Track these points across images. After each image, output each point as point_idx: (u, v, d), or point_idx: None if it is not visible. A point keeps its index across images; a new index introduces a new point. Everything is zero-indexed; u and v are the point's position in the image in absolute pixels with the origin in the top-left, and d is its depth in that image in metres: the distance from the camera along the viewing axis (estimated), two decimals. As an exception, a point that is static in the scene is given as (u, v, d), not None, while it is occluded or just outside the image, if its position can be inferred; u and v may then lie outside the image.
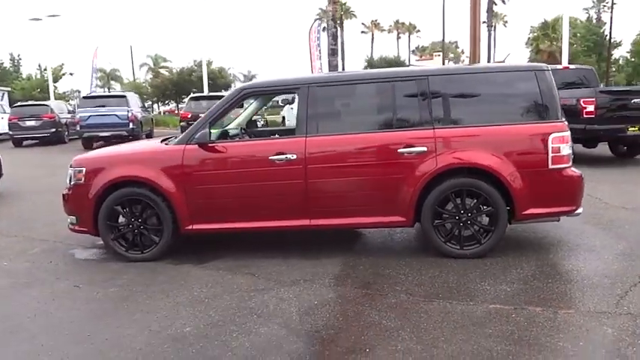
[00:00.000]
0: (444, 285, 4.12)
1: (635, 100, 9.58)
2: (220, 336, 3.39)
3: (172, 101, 49.17)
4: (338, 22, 64.65)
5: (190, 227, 4.97)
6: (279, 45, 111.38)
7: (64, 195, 5.35)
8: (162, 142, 5.53)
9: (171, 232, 4.98)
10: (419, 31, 77.18)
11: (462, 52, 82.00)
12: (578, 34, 53.89)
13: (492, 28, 59.32)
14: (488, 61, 59.52)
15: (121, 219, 5.10)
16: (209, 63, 48.49)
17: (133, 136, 17.58)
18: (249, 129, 5.99)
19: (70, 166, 5.28)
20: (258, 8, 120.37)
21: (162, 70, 52.82)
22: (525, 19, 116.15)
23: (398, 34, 74.94)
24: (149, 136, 19.62)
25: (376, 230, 5.64)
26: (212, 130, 4.97)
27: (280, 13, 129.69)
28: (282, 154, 4.76)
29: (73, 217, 5.24)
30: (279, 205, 4.87)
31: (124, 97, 18.21)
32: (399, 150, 4.68)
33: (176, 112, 47.07)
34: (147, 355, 3.18)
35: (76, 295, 4.27)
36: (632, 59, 47.47)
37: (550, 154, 4.58)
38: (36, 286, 4.54)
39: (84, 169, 5.10)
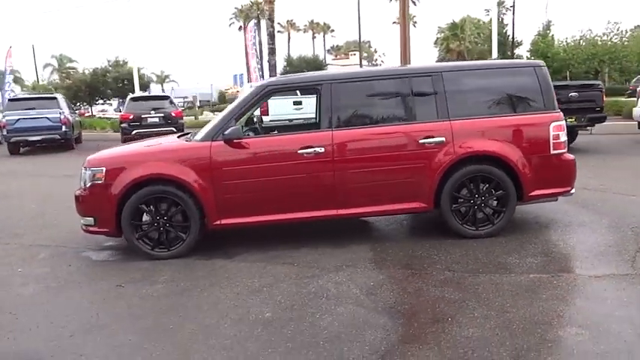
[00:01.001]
0: (478, 261, 4.53)
1: (572, 94, 10.61)
2: (305, 318, 3.58)
3: (85, 103, 46.80)
4: (255, 21, 64.53)
5: (218, 222, 5.05)
6: (192, 45, 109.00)
7: (77, 196, 5.23)
8: (179, 138, 5.55)
9: (198, 228, 5.03)
10: (333, 30, 78.61)
11: (375, 51, 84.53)
12: (482, 35, 57.36)
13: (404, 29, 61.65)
14: (403, 60, 61.86)
15: (145, 217, 5.07)
16: (124, 63, 46.77)
17: (65, 140, 16.83)
18: (250, 126, 6.12)
19: (85, 167, 5.18)
20: (171, 8, 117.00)
21: (71, 71, 50.24)
22: (433, 19, 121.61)
23: (313, 33, 75.90)
24: (78, 140, 18.80)
25: (384, 218, 5.97)
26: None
27: (193, 13, 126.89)
28: (310, 147, 4.98)
29: (90, 219, 5.15)
30: (307, 196, 5.08)
31: (54, 98, 17.31)
32: (420, 140, 5.04)
33: (89, 114, 45.01)
34: (245, 339, 3.31)
35: (126, 294, 4.25)
36: (532, 58, 51.23)
37: (551, 141, 5.13)
38: (73, 288, 4.45)
39: (104, 169, 5.03)
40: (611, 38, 49.85)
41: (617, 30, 50.62)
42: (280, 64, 62.32)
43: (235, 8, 65.39)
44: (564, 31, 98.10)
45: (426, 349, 3.07)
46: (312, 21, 74.55)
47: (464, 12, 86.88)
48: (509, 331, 3.25)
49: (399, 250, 4.94)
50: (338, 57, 75.57)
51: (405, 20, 22.72)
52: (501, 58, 55.27)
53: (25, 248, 5.74)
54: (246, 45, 21.36)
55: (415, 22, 71.26)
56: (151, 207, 5.04)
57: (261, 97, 5.20)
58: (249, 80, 22.01)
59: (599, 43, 50.70)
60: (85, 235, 5.69)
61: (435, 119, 5.11)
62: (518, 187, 5.13)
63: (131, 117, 15.79)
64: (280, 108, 13.76)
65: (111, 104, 55.27)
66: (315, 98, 5.16)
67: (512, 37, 48.36)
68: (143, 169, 5.00)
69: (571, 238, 5.09)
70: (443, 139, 5.03)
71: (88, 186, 5.10)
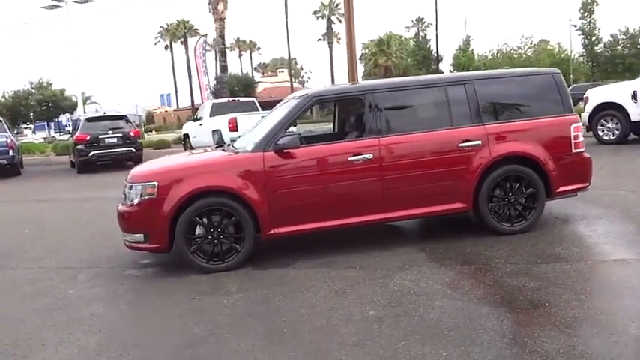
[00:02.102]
0: (529, 254, 4.88)
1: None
2: (411, 312, 3.75)
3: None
4: (182, 40, 63.44)
5: (273, 232, 5.13)
6: (113, 65, 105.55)
7: (123, 213, 5.14)
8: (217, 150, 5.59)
9: (252, 238, 5.08)
10: (259, 48, 78.97)
11: (302, 68, 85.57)
12: (405, 50, 59.69)
13: (331, 45, 62.99)
14: (332, 75, 63.08)
15: (198, 230, 5.05)
16: (48, 84, 44.73)
17: (11, 165, 15.95)
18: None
19: (133, 182, 5.11)
20: (91, 30, 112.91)
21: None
22: (358, 36, 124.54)
23: (240, 51, 75.89)
24: (21, 165, 17.82)
25: (410, 222, 6.23)
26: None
27: (114, 33, 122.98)
28: (360, 154, 5.18)
29: (140, 235, 5.07)
30: (358, 202, 5.26)
31: (0, 121, 16.39)
32: (459, 144, 5.37)
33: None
34: (370, 335, 3.45)
35: (209, 305, 4.23)
36: (455, 71, 53.90)
37: (572, 141, 5.62)
38: (147, 305, 4.38)
39: (156, 184, 4.98)
40: (525, 51, 53.37)
41: (531, 44, 54.37)
42: (210, 82, 62.03)
43: (161, 27, 64.37)
44: (483, 45, 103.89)
45: (547, 330, 3.34)
46: (238, 39, 74.49)
47: (386, 29, 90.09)
48: (608, 309, 3.58)
49: (447, 250, 5.20)
50: (265, 74, 75.90)
51: (351, 40, 23.37)
52: (426, 73, 57.95)
53: (56, 271, 5.53)
54: (196, 63, 21.17)
55: (339, 39, 72.86)
56: (204, 219, 5.02)
57: (308, 107, 5.35)
58: (202, 99, 21.77)
59: (515, 56, 54.18)
60: (108, 254, 5.70)
61: (470, 124, 5.45)
62: (546, 184, 5.55)
63: (88, 138, 15.21)
64: (248, 124, 13.83)
65: (30, 128, 52.54)
66: (359, 107, 5.36)
67: (437, 52, 50.74)
68: (198, 181, 5.00)
69: (597, 229, 5.57)
70: (479, 142, 5.38)
71: (137, 202, 5.02)
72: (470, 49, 53.64)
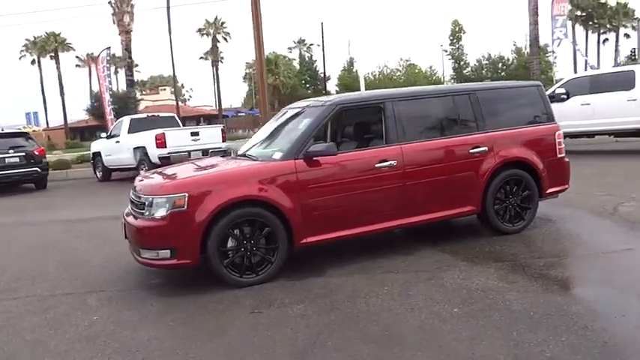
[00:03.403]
0: (546, 249, 5.27)
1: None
2: (495, 306, 3.90)
3: None
4: (52, 54, 59.18)
5: (305, 241, 5.03)
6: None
7: (143, 228, 4.76)
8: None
9: (286, 249, 4.95)
10: (137, 65, 75.72)
11: (183, 86, 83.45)
12: (290, 70, 60.88)
13: (217, 64, 62.44)
14: (217, 94, 62.29)
15: (230, 243, 4.81)
16: None
17: None
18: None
19: (153, 194, 4.75)
20: None
21: None
22: (239, 56, 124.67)
23: (116, 68, 72.21)
24: None
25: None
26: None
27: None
28: (385, 161, 5.28)
29: (166, 251, 4.70)
30: (383, 208, 5.35)
31: None
32: (470, 151, 5.67)
33: None
34: (473, 329, 3.54)
35: (276, 317, 4.05)
36: (341, 91, 55.96)
37: (557, 147, 6.18)
38: (202, 322, 4.09)
39: (186, 195, 4.67)
40: (404, 73, 56.73)
41: (402, 67, 57.86)
42: (86, 99, 58.24)
43: (27, 40, 59.55)
44: (366, 66, 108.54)
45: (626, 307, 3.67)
46: (113, 55, 70.84)
47: (269, 49, 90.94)
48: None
49: (466, 250, 5.43)
50: (145, 92, 73.00)
51: (261, 56, 23.38)
52: (314, 92, 59.18)
53: (55, 298, 4.96)
54: (98, 77, 19.82)
55: (222, 58, 72.30)
56: (236, 231, 4.80)
57: (333, 115, 5.34)
58: (106, 116, 20.35)
59: (394, 77, 57.41)
60: (102, 279, 5.40)
61: (476, 131, 5.79)
62: (538, 186, 6.03)
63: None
64: (177, 140, 13.32)
65: None
66: (382, 115, 5.46)
67: (324, 73, 52.27)
68: (233, 191, 4.77)
69: (583, 227, 6.13)
70: (486, 148, 5.73)
71: (163, 215, 4.66)
72: (354, 70, 56.02)
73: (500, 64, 54.30)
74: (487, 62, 54.91)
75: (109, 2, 20.83)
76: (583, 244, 5.37)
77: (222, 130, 14.31)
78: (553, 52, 20.31)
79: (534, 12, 19.46)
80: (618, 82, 12.24)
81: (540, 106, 6.25)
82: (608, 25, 57.78)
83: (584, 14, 54.87)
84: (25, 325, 4.29)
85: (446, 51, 54.91)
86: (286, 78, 56.62)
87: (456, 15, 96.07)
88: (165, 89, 66.85)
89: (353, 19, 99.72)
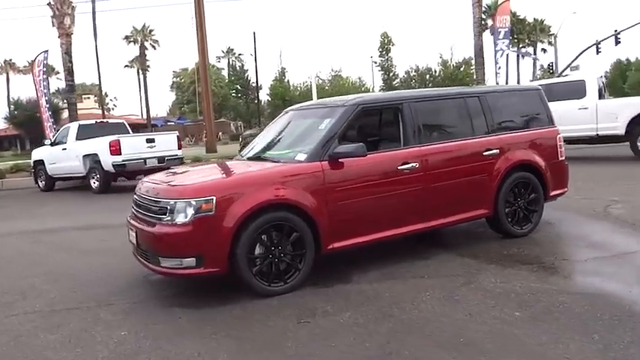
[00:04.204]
0: (566, 250, 5.38)
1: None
2: (555, 308, 3.85)
3: None
4: None
5: (332, 246, 4.81)
6: None
7: (164, 235, 4.37)
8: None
9: (313, 255, 4.70)
10: (58, 72, 72.05)
11: (106, 94, 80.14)
12: (220, 79, 60.01)
13: (145, 72, 60.62)
14: (146, 102, 60.30)
15: (258, 250, 4.50)
16: None
17: None
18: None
19: (174, 198, 4.37)
20: None
21: None
22: (166, 64, 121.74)
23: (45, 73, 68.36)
24: None
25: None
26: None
27: None
28: (407, 163, 5.16)
29: (191, 259, 4.33)
30: (406, 211, 5.21)
31: None
32: (484, 153, 5.66)
33: None
34: (548, 332, 3.46)
35: (326, 327, 3.79)
36: (272, 101, 55.74)
37: (559, 149, 6.32)
38: (250, 335, 3.76)
39: (214, 198, 4.32)
40: (330, 84, 57.24)
41: (330, 77, 58.41)
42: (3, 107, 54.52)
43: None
44: (298, 76, 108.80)
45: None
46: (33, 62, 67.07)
47: (197, 58, 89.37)
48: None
49: (486, 253, 5.39)
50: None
51: (204, 61, 22.78)
52: (246, 102, 58.53)
53: (63, 313, 4.44)
54: (35, 82, 18.44)
55: (149, 67, 70.14)
56: (264, 237, 4.50)
57: (356, 115, 5.15)
58: (43, 122, 18.95)
59: (326, 88, 57.87)
60: (115, 288, 4.97)
61: (487, 134, 5.79)
62: (544, 189, 6.12)
63: None
64: (132, 147, 12.66)
65: None
66: (402, 116, 5.32)
67: (257, 82, 51.84)
68: (262, 194, 4.47)
69: (589, 227, 6.28)
70: (497, 151, 5.75)
71: (188, 220, 4.29)
72: (286, 80, 56.00)
73: (427, 76, 56.18)
74: (415, 74, 56.65)
75: (49, 4, 19.47)
76: (599, 245, 5.45)
77: (178, 137, 13.72)
78: (496, 62, 21.23)
79: (478, 24, 20.24)
80: (570, 91, 12.86)
81: (542, 110, 6.36)
82: (527, 40, 61.23)
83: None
84: (41, 344, 3.80)
85: (375, 62, 56.04)
86: (217, 87, 55.72)
87: (385, 27, 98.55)
88: (89, 97, 63.83)
89: (284, 29, 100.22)
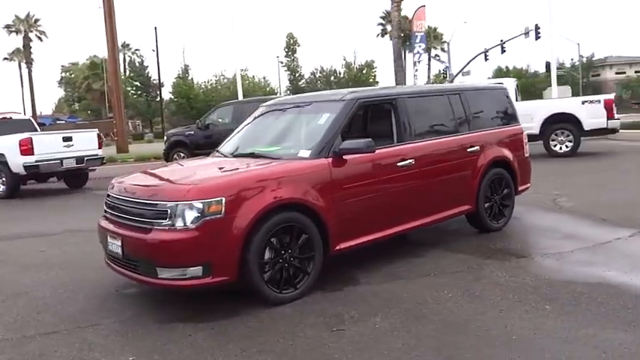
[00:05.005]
0: (549, 243, 5.48)
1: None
2: (581, 299, 3.90)
3: None
4: None
5: (339, 247, 4.58)
6: None
7: (167, 242, 3.90)
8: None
9: (321, 257, 4.45)
10: None
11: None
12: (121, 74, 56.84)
13: (30, 65, 56.18)
14: (31, 97, 55.69)
15: (267, 254, 4.16)
16: None
17: None
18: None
19: (184, 200, 3.90)
20: None
21: None
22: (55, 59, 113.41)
23: None
24: None
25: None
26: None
27: None
28: (405, 159, 5.05)
29: (197, 268, 3.90)
30: (405, 208, 5.10)
31: None
32: (468, 149, 5.70)
33: None
34: (584, 324, 3.48)
35: (364, 333, 3.56)
36: (176, 99, 53.80)
37: (525, 146, 6.53)
38: (285, 348, 3.44)
39: (223, 199, 3.92)
40: (245, 82, 56.37)
41: (246, 75, 57.60)
42: None
43: None
44: (202, 74, 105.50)
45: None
46: None
47: (89, 52, 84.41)
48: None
49: (475, 248, 5.44)
50: None
51: (115, 55, 21.32)
52: (147, 99, 56.01)
53: (51, 337, 3.82)
54: None
55: (33, 60, 65.02)
56: (274, 240, 4.18)
57: (355, 110, 4.94)
58: None
59: (231, 87, 56.74)
60: (89, 306, 4.42)
61: (468, 131, 5.83)
62: (514, 184, 6.29)
63: None
64: (46, 146, 11.53)
65: None
66: (395, 111, 5.18)
67: (159, 79, 49.76)
68: (272, 194, 4.13)
69: (553, 220, 6.54)
70: (478, 147, 5.81)
71: (195, 224, 3.86)
72: (189, 78, 54.26)
73: (332, 77, 57.05)
74: (321, 75, 57.31)
75: None
76: (574, 237, 5.66)
77: (99, 135, 12.66)
78: (415, 64, 21.91)
79: (398, 27, 20.78)
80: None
81: (509, 107, 6.53)
82: (411, 47, 63.91)
83: (402, 35, 60.09)
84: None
85: (282, 62, 56.01)
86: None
87: (291, 28, 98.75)
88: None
89: (187, 26, 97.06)
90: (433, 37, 64.65)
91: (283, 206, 4.17)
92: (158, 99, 50.87)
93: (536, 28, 34.73)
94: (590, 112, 12.67)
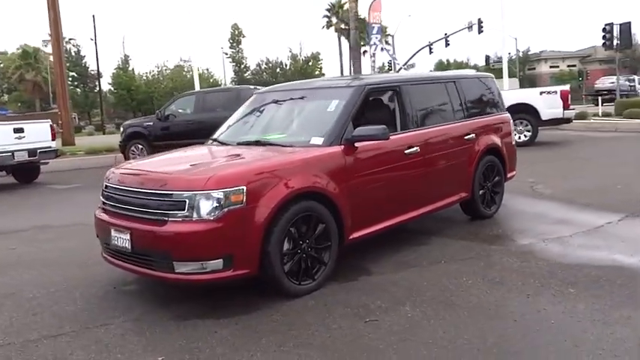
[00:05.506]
0: (546, 229, 5.56)
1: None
2: (603, 282, 3.96)
3: None
4: None
5: (353, 236, 4.48)
6: None
7: (185, 234, 3.67)
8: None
9: (337, 247, 4.33)
10: None
11: None
12: (52, 65, 54.18)
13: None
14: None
15: (286, 245, 4.00)
16: None
17: None
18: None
19: (202, 190, 3.68)
20: None
21: None
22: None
23: None
24: None
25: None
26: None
27: None
28: (412, 147, 5.00)
29: (218, 261, 3.70)
30: (411, 196, 5.06)
31: None
32: (465, 137, 5.71)
33: None
34: (619, 304, 3.54)
35: (400, 323, 3.48)
36: (116, 90, 51.93)
37: (512, 134, 6.63)
38: (330, 343, 3.31)
39: (244, 188, 3.73)
40: (186, 74, 54.94)
41: (189, 66, 56.12)
42: None
43: None
44: (143, 64, 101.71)
45: None
46: None
47: (17, 42, 79.97)
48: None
49: (474, 235, 5.47)
50: None
51: (59, 44, 20.13)
52: (84, 90, 53.74)
53: (59, 339, 3.52)
54: None
55: None
56: (293, 230, 4.02)
57: (365, 96, 4.82)
58: None
59: (175, 78, 55.31)
60: (89, 306, 4.12)
61: (464, 119, 5.85)
62: (504, 171, 6.37)
63: None
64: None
65: None
66: (400, 98, 5.10)
67: (98, 70, 47.84)
68: (291, 182, 3.97)
69: (539, 206, 6.67)
70: (474, 135, 5.84)
71: (216, 215, 3.65)
72: (130, 68, 52.45)
73: (278, 69, 56.61)
74: (266, 66, 56.74)
75: None
76: (565, 222, 5.79)
77: (52, 126, 11.96)
78: (372, 56, 21.99)
79: (355, 18, 20.75)
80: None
81: (497, 96, 6.61)
82: (366, 39, 64.45)
83: (347, 27, 60.22)
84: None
85: (226, 53, 55.05)
86: (50, 74, 50.34)
87: (236, 19, 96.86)
88: None
89: (126, 15, 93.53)
90: (367, 32, 65.40)
91: (302, 195, 4.02)
92: (97, 90, 48.95)
93: (479, 22, 35.90)
94: (548, 103, 13.10)
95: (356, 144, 4.49)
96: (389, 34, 61.86)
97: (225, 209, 3.65)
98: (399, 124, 5.12)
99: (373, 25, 21.90)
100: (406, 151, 4.91)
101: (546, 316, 3.45)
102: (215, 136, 5.30)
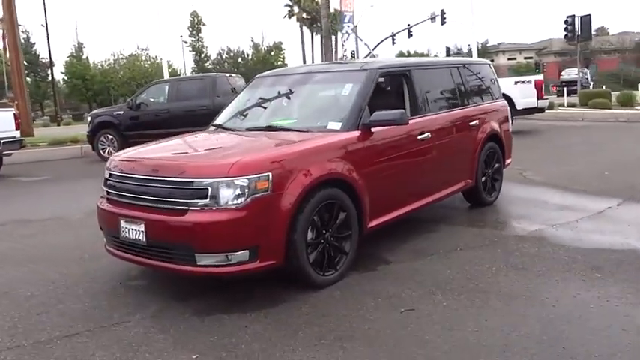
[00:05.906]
0: (551, 215, 5.58)
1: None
2: (625, 266, 3.96)
3: None
4: None
5: (371, 225, 4.35)
6: None
7: (209, 224, 3.46)
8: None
9: (357, 236, 4.20)
10: None
11: None
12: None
13: None
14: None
15: (309, 234, 3.83)
16: None
17: None
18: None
19: (225, 177, 3.47)
20: None
21: None
22: None
23: None
24: None
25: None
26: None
27: None
28: (423, 133, 4.90)
29: (244, 252, 3.51)
30: (424, 182, 4.98)
31: None
32: (470, 123, 5.66)
33: None
34: None
35: (442, 312, 3.38)
36: (70, 80, 50.13)
37: (510, 121, 6.62)
38: (382, 337, 3.17)
39: (269, 174, 3.54)
40: (145, 63, 53.27)
41: (147, 55, 54.56)
42: None
43: None
44: (98, 52, 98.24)
45: None
46: None
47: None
48: None
49: (482, 222, 5.45)
50: None
51: (14, 32, 19.16)
52: (36, 79, 51.68)
53: (77, 339, 3.26)
54: None
55: None
56: (317, 219, 3.86)
57: (377, 79, 4.67)
58: None
59: (135, 68, 53.63)
60: (98, 302, 3.88)
61: (468, 105, 5.79)
62: (503, 158, 6.36)
63: None
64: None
65: None
66: (410, 83, 4.98)
67: (50, 58, 45.95)
68: (314, 169, 3.80)
69: (534, 193, 6.70)
70: (477, 122, 5.79)
71: (241, 203, 3.45)
72: (84, 57, 50.70)
73: (239, 59, 55.84)
74: (227, 56, 55.87)
75: None
76: (567, 208, 5.82)
77: (15, 115, 11.34)
78: (344, 44, 21.84)
79: (326, 6, 20.56)
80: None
81: (495, 82, 6.57)
82: (338, 27, 64.18)
83: (309, 17, 59.85)
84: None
85: (186, 42, 53.87)
86: (4, 63, 48.10)
87: (195, 6, 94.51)
88: None
89: (79, 1, 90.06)
90: (339, 20, 65.28)
91: (325, 182, 3.85)
92: (49, 79, 47.08)
93: (442, 13, 36.27)
94: (523, 92, 13.27)
95: (373, 129, 4.35)
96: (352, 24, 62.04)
97: (251, 197, 3.45)
98: (409, 110, 4.99)
99: (345, 13, 21.77)
100: (419, 137, 4.80)
101: (582, 302, 3.41)
102: (218, 122, 5.05)
